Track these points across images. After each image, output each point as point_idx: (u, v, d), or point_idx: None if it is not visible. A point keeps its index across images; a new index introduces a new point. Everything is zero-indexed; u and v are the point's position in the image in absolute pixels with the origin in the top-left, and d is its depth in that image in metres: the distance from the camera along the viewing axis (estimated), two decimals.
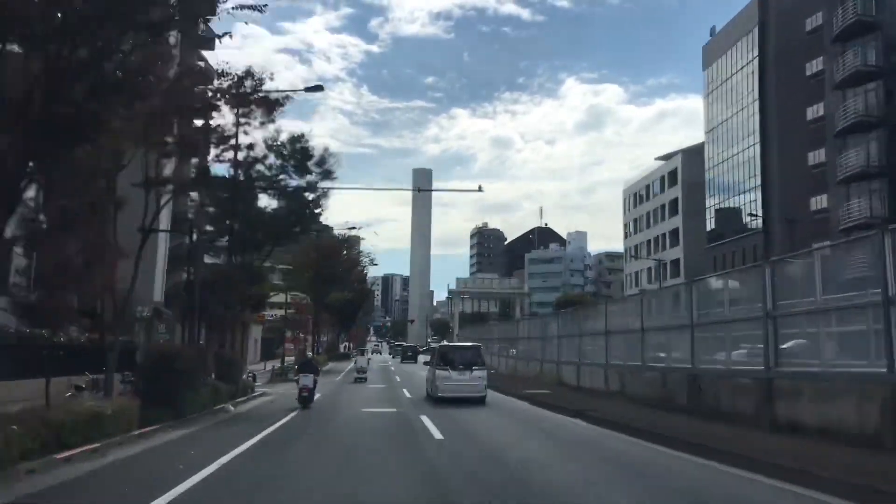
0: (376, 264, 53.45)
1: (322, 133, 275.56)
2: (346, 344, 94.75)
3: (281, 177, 23.04)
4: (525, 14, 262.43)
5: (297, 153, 22.92)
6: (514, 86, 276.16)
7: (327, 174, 23.76)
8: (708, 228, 63.66)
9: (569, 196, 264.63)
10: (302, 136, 23.39)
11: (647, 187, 78.34)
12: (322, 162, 23.75)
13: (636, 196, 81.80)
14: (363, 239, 48.36)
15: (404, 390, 27.71)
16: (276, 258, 55.17)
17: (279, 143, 22.58)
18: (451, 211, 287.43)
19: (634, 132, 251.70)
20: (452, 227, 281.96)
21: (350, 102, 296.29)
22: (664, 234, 73.04)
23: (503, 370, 39.50)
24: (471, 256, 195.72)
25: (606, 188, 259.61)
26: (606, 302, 22.83)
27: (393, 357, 74.55)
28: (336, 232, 50.58)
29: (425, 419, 16.37)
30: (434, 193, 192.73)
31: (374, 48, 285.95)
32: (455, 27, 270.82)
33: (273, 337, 67.34)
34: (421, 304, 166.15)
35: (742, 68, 57.37)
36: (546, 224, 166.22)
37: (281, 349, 65.77)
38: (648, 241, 77.33)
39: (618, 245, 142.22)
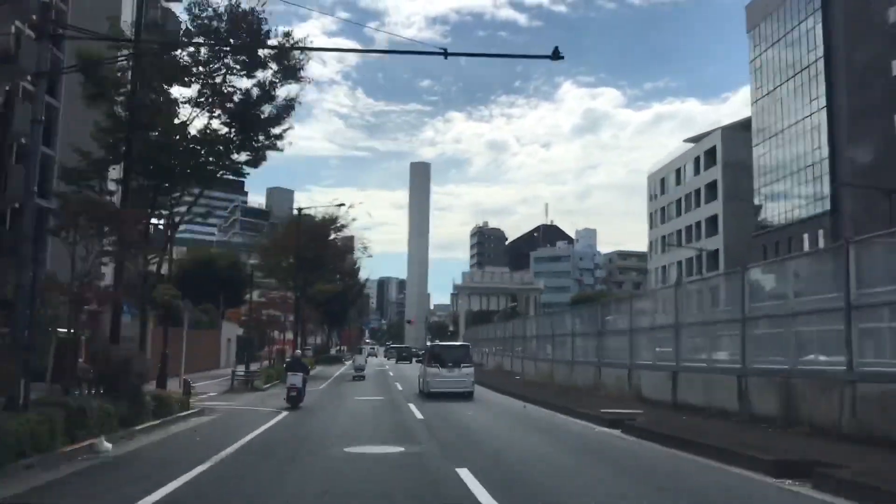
0: (370, 255, 43.42)
1: (317, 136, 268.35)
2: (339, 347, 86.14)
3: (216, 71, 14.20)
4: (522, 19, 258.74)
5: (240, 32, 14.09)
6: (510, 89, 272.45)
7: (291, 72, 14.93)
8: (755, 212, 55.17)
9: (564, 200, 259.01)
10: (252, 10, 14.61)
11: (678, 171, 69.78)
12: (283, 54, 14.85)
13: (663, 182, 73.25)
14: (353, 219, 39.28)
15: (411, 406, 19.02)
16: (254, 247, 46.69)
17: (211, 10, 13.78)
18: (447, 214, 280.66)
19: (631, 136, 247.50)
20: (449, 231, 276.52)
21: (345, 105, 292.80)
22: (699, 223, 64.48)
23: (532, 376, 30.80)
24: (471, 257, 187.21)
25: (602, 192, 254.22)
26: (744, 271, 14.36)
27: (388, 359, 69.91)
28: (322, 211, 42.04)
29: (476, 487, 7.64)
30: (431, 197, 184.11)
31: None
32: (451, 32, 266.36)
33: (253, 337, 58.61)
34: (419, 305, 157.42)
35: (801, 22, 48.90)
36: (552, 222, 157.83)
37: (265, 350, 57.04)
38: (679, 231, 68.75)
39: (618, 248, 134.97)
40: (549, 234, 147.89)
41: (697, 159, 65.48)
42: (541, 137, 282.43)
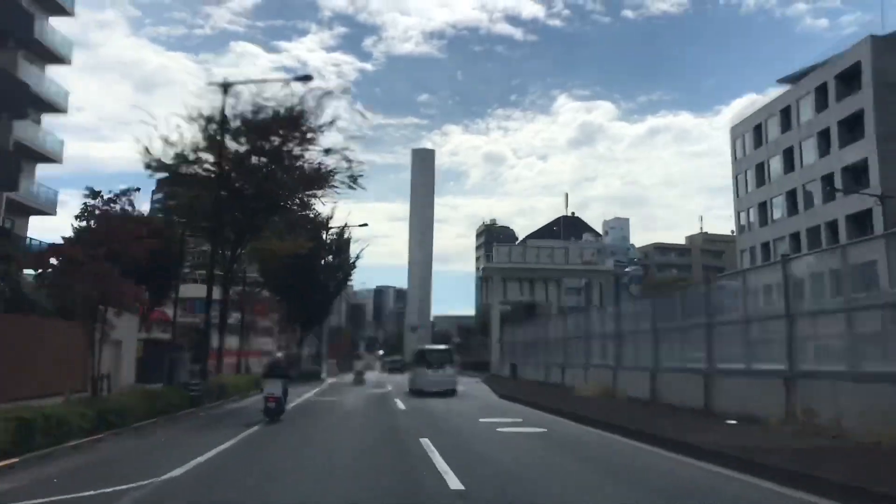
0: (362, 186, 23.99)
1: (314, 149, 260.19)
2: (320, 357, 66.75)
3: None
4: (518, 34, 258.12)
5: None
6: (506, 103, 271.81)
7: None
8: None
9: (561, 212, 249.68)
10: None
11: (786, 112, 50.74)
12: None
13: (760, 130, 54.19)
14: (333, 122, 19.29)
15: None
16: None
17: None
18: (444, 227, 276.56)
19: (626, 148, 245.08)
20: (447, 244, 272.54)
21: (343, 119, 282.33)
22: (829, 175, 45.49)
23: (772, 417, 11.55)
24: (477, 259, 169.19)
25: (600, 204, 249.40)
26: None
27: (382, 372, 62.94)
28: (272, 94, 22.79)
29: None
30: (435, 189, 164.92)
31: (368, 66, 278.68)
32: (448, 46, 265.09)
33: (183, 343, 38.95)
34: (421, 310, 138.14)
35: None
36: (573, 213, 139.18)
37: (199, 366, 37.54)
38: (791, 193, 49.72)
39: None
40: (570, 226, 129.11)
41: (822, 88, 46.51)
42: (538, 150, 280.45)
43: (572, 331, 26.53)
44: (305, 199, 25.25)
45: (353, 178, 25.50)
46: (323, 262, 41.37)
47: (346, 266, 43.63)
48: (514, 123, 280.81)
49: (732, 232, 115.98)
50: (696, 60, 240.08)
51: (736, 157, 57.63)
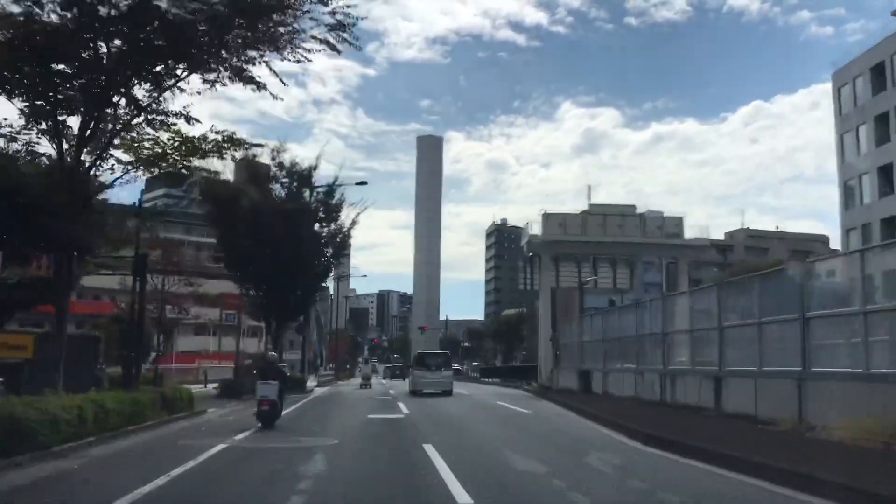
0: (352, 40, 13.11)
1: (316, 156, 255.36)
2: (321, 363, 55.37)
3: None
4: (521, 40, 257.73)
5: None
6: (509, 109, 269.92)
7: None
8: None
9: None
10: None
11: None
12: None
13: (882, 70, 41.52)
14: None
15: None
16: None
17: None
18: (446, 234, 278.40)
19: (630, 156, 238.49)
20: (449, 251, 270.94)
21: (345, 125, 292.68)
22: None
23: None
24: (487, 260, 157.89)
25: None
26: None
27: (385, 378, 58.71)
28: None
29: None
30: (443, 180, 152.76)
31: (371, 72, 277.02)
32: (451, 52, 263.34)
33: (89, 336, 26.28)
34: (428, 311, 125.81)
35: None
36: None
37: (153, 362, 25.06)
38: None
39: None
40: None
41: None
42: (540, 157, 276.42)
43: (746, 311, 14.08)
44: (243, 57, 12.95)
45: (340, 25, 13.34)
46: (305, 230, 29.21)
47: (337, 237, 31.36)
48: (516, 130, 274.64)
49: (777, 227, 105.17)
50: (702, 67, 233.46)
51: (841, 111, 45.18)
